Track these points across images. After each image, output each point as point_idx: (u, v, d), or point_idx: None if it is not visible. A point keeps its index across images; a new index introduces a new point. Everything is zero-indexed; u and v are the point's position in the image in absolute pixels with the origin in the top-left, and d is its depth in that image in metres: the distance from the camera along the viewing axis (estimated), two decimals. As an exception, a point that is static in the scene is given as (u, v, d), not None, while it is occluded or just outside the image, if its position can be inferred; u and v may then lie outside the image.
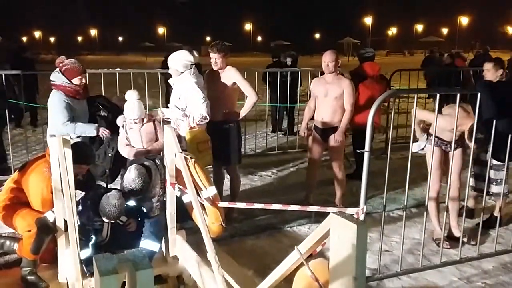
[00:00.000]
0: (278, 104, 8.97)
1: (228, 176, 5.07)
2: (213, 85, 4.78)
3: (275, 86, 8.44)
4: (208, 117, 4.39)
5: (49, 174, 3.30)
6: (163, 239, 3.71)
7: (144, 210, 3.67)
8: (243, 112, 4.85)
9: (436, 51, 17.52)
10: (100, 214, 3.39)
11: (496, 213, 4.59)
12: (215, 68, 4.74)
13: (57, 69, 4.35)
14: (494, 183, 4.50)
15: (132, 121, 4.21)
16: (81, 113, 4.40)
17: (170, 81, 4.67)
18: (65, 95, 4.26)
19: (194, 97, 4.40)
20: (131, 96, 4.23)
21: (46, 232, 3.29)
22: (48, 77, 4.51)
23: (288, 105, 8.89)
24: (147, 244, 3.57)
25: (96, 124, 4.38)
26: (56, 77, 4.30)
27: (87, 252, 3.36)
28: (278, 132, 9.24)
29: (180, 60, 4.46)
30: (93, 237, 3.44)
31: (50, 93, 4.39)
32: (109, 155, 4.49)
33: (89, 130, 4.32)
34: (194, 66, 4.55)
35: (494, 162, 4.36)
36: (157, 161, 3.75)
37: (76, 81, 4.31)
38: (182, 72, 4.48)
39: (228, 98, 4.77)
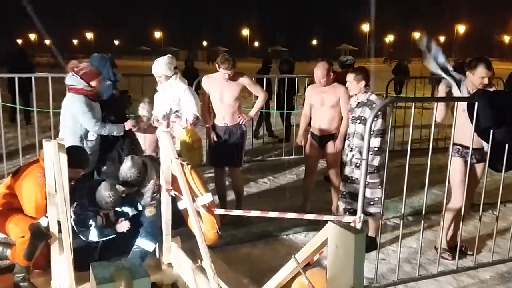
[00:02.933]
0: (274, 110, 8.98)
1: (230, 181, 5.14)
2: (221, 91, 4.82)
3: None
4: (200, 117, 4.67)
5: (43, 180, 3.26)
6: (158, 245, 3.68)
7: (140, 208, 3.68)
8: (254, 111, 5.12)
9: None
10: (94, 203, 3.46)
11: (372, 233, 4.33)
12: (226, 79, 4.77)
13: (72, 74, 4.35)
14: (372, 203, 4.15)
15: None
16: (97, 115, 4.44)
17: (159, 87, 4.82)
18: (87, 98, 4.31)
19: (187, 98, 4.67)
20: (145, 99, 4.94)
21: (40, 238, 3.24)
22: (43, 80, 4.46)
23: (284, 111, 8.89)
24: (143, 243, 3.59)
25: (123, 124, 4.48)
26: (75, 81, 4.32)
27: (93, 234, 3.48)
28: (271, 137, 9.24)
29: (166, 65, 4.69)
30: (92, 223, 3.49)
31: (67, 97, 4.38)
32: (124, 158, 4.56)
33: (118, 130, 4.44)
34: (175, 69, 4.79)
35: (369, 179, 3.96)
36: (154, 157, 3.79)
37: (94, 83, 4.36)
38: (170, 77, 4.69)
39: (237, 102, 4.89)
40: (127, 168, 3.50)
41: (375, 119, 3.96)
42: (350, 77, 4.37)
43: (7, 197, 3.47)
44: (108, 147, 4.53)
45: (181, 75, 4.81)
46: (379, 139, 4.12)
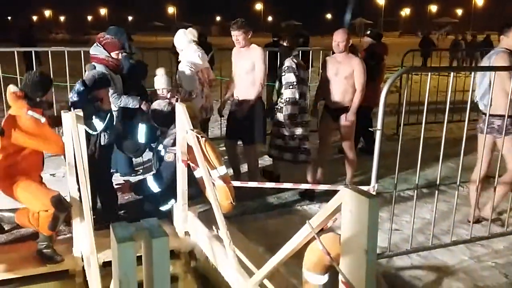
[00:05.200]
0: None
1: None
2: (238, 63, 4.86)
3: (273, 66, 8.48)
4: (192, 94, 4.73)
5: (29, 115, 3.35)
6: (174, 214, 3.77)
7: (162, 153, 4.01)
8: (252, 99, 4.82)
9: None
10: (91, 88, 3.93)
11: (309, 178, 5.06)
12: (238, 46, 4.79)
13: (96, 44, 4.46)
14: (299, 152, 4.88)
15: (160, 91, 4.73)
16: (118, 87, 4.50)
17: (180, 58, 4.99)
18: (107, 68, 4.39)
19: (183, 73, 4.78)
20: (159, 71, 4.88)
21: (63, 210, 3.34)
22: (59, 54, 4.55)
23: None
24: (150, 181, 3.89)
25: (139, 97, 4.60)
26: (98, 51, 4.44)
27: (98, 124, 3.84)
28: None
29: (177, 40, 4.90)
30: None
31: (88, 66, 4.51)
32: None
33: (133, 102, 4.57)
34: (194, 42, 4.86)
35: (292, 131, 4.79)
36: None
37: (114, 55, 4.45)
38: (182, 50, 4.84)
39: (251, 75, 4.80)
40: (161, 102, 4.05)
41: (283, 73, 4.76)
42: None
43: (8, 158, 3.46)
44: (129, 122, 4.63)
45: (194, 49, 4.78)
46: (289, 90, 4.73)
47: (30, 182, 3.47)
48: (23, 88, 3.44)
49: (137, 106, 4.53)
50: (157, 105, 4.12)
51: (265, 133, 5.07)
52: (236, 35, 4.69)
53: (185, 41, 4.76)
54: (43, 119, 3.39)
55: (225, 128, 5.50)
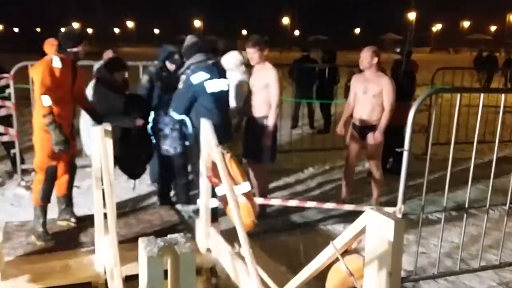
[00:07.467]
0: (313, 100, 8.94)
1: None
2: (254, 80, 4.79)
3: (301, 82, 8.53)
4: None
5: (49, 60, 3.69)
6: (198, 232, 3.77)
7: None
8: (270, 122, 4.64)
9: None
10: None
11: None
12: (252, 63, 4.73)
13: (101, 61, 4.51)
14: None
15: None
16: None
17: None
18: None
19: (235, 91, 5.02)
20: None
21: (50, 179, 3.84)
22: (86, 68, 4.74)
23: (314, 101, 8.85)
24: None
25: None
26: (99, 69, 4.47)
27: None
28: (312, 129, 9.21)
29: (224, 61, 5.15)
30: None
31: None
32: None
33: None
34: (242, 65, 5.19)
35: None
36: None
37: (116, 75, 4.48)
38: (229, 69, 5.01)
39: (265, 94, 4.65)
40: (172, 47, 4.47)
41: None
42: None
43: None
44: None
45: (238, 70, 5.08)
46: None
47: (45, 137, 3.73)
48: (59, 38, 3.85)
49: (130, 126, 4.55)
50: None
51: (274, 153, 4.84)
52: (251, 52, 4.59)
53: (232, 62, 5.17)
54: (59, 65, 3.67)
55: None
